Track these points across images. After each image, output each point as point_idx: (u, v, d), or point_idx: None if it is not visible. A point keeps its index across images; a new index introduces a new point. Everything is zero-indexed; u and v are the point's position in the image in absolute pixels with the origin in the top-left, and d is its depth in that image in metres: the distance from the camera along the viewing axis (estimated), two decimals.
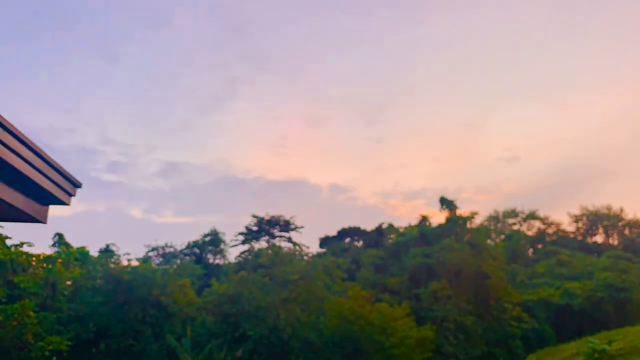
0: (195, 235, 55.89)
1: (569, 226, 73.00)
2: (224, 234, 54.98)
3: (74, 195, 4.74)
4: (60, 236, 35.03)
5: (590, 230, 72.25)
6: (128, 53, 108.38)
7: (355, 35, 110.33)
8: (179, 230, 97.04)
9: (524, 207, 72.27)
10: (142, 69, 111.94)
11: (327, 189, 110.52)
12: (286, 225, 54.78)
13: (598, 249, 63.82)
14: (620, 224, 70.52)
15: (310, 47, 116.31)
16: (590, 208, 72.12)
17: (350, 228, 65.04)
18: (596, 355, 23.46)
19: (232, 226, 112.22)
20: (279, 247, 43.51)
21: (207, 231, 55.14)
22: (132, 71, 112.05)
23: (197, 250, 53.97)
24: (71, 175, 4.53)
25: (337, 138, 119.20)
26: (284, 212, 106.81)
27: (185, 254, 53.76)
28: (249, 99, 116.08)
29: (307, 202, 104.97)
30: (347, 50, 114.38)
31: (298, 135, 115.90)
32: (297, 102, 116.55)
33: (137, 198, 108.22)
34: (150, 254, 52.67)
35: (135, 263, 33.79)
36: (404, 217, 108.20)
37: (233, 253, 74.51)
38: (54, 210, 4.81)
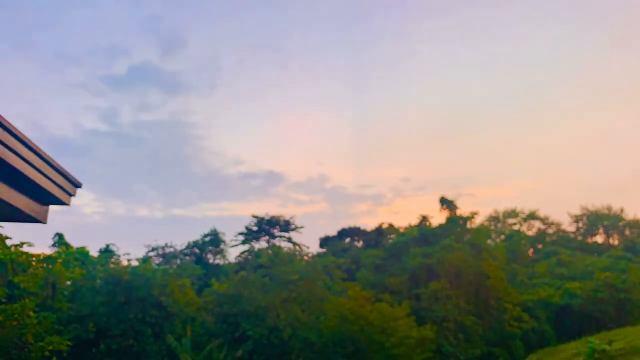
0: (186, 231, 55.80)
1: (569, 226, 73.06)
2: (224, 234, 55.06)
3: (74, 195, 4.74)
4: (60, 236, 35.07)
5: (591, 230, 72.20)
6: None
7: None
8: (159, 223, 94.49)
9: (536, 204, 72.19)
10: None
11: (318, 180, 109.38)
12: (286, 226, 54.79)
13: (598, 249, 63.81)
14: (620, 224, 70.46)
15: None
16: (591, 208, 72.15)
17: (350, 228, 65.08)
18: (596, 355, 23.45)
19: (221, 220, 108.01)
20: (279, 247, 43.53)
21: (206, 231, 55.23)
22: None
23: (197, 250, 53.99)
24: (71, 175, 4.52)
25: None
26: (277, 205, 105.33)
27: (185, 254, 53.78)
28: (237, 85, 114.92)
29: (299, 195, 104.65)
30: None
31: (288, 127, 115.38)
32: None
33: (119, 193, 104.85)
34: (150, 254, 52.69)
35: (135, 263, 33.82)
36: (412, 211, 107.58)
37: (233, 253, 74.62)
38: (54, 210, 4.81)
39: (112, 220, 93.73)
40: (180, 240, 54.91)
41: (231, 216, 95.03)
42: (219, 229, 55.20)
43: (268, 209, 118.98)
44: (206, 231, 55.05)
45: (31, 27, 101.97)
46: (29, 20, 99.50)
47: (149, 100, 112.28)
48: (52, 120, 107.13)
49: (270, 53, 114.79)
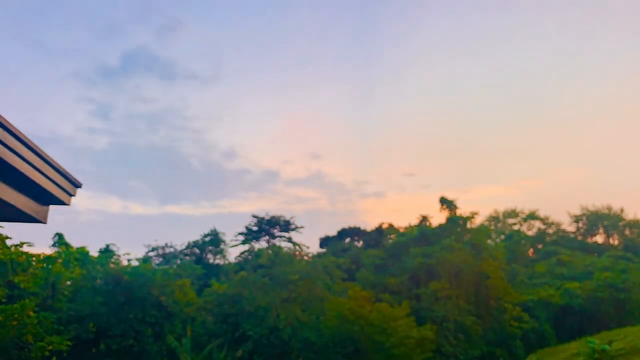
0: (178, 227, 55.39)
1: (569, 226, 73.08)
2: (224, 233, 55.06)
3: (74, 195, 4.74)
4: (60, 236, 35.00)
5: (591, 230, 72.21)
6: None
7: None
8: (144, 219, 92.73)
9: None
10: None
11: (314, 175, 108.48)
12: (286, 225, 54.79)
13: (598, 249, 63.83)
14: (620, 224, 70.46)
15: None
16: (591, 208, 72.14)
17: (350, 228, 65.11)
18: (596, 355, 23.43)
19: (219, 217, 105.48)
20: (279, 247, 43.53)
21: (205, 230, 55.23)
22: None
23: (197, 250, 53.97)
24: (71, 175, 4.52)
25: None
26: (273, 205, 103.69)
27: (185, 254, 53.77)
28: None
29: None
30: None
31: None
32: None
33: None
34: (150, 254, 52.68)
35: (135, 263, 33.81)
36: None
37: (233, 253, 74.68)
38: (54, 210, 4.81)
39: (106, 217, 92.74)
40: (177, 237, 54.88)
41: (230, 213, 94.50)
42: (218, 226, 55.32)
43: (268, 205, 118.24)
44: (205, 230, 55.10)
45: (21, 18, 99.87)
46: (19, 10, 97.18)
47: (144, 92, 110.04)
48: (44, 115, 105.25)
49: (271, 47, 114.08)
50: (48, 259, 26.04)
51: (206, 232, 54.87)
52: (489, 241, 50.24)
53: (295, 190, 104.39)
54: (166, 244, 53.86)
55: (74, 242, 33.38)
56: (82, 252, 31.66)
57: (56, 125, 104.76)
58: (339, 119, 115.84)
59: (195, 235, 57.75)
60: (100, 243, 40.45)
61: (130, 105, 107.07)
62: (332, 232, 65.65)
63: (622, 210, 70.66)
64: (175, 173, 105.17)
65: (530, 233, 70.65)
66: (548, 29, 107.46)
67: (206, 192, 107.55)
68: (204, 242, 54.37)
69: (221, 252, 54.79)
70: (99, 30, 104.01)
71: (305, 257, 49.61)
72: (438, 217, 76.22)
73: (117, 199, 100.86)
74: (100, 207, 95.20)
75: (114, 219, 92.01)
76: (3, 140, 3.53)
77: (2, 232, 21.24)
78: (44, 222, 4.69)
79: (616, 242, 70.32)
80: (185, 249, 54.05)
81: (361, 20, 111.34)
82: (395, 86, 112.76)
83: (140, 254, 51.72)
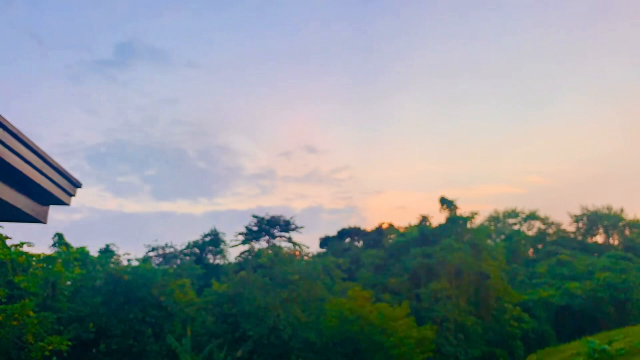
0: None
1: (569, 226, 73.05)
2: (224, 234, 55.06)
3: (74, 195, 4.74)
4: (60, 236, 35.00)
5: (591, 230, 72.18)
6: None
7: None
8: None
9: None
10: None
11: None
12: (286, 225, 54.75)
13: (598, 249, 63.83)
14: (620, 224, 70.45)
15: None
16: (591, 208, 72.13)
17: (350, 228, 65.09)
18: (596, 355, 23.44)
19: (219, 215, 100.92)
20: (279, 247, 43.54)
21: (206, 230, 55.25)
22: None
23: (197, 250, 53.98)
24: (71, 175, 4.52)
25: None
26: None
27: (185, 254, 53.77)
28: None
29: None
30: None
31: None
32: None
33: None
34: (150, 254, 52.68)
35: (135, 263, 33.84)
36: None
37: (233, 253, 74.54)
38: (54, 210, 4.81)
39: (101, 215, 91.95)
40: (174, 234, 54.77)
41: (228, 210, 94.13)
42: (215, 224, 55.32)
43: (267, 202, 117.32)
44: (203, 228, 55.15)
45: (14, 11, 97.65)
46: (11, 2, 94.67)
47: (139, 86, 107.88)
48: (37, 111, 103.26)
49: (270, 41, 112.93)
50: (48, 259, 26.06)
51: (206, 232, 54.96)
52: (489, 241, 50.25)
53: (295, 187, 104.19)
54: (166, 244, 53.89)
55: (69, 239, 33.46)
56: (82, 252, 31.69)
57: (50, 121, 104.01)
58: (339, 116, 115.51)
59: (193, 233, 57.88)
60: (95, 240, 40.44)
61: (125, 99, 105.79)
62: (332, 232, 65.69)
63: (622, 210, 70.67)
64: (172, 169, 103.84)
65: (530, 233, 70.66)
66: (549, 30, 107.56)
67: (203, 189, 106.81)
68: (204, 242, 54.40)
69: (221, 252, 54.81)
70: (93, 24, 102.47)
71: (305, 257, 49.61)
72: (438, 217, 76.18)
73: (112, 197, 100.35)
74: (95, 204, 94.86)
75: (109, 216, 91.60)
76: (3, 140, 3.53)
77: (2, 232, 21.24)
78: (44, 222, 4.69)
79: (616, 242, 70.30)
80: (185, 249, 54.07)
81: (363, 16, 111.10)
82: (397, 84, 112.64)
83: (140, 253, 51.80)
